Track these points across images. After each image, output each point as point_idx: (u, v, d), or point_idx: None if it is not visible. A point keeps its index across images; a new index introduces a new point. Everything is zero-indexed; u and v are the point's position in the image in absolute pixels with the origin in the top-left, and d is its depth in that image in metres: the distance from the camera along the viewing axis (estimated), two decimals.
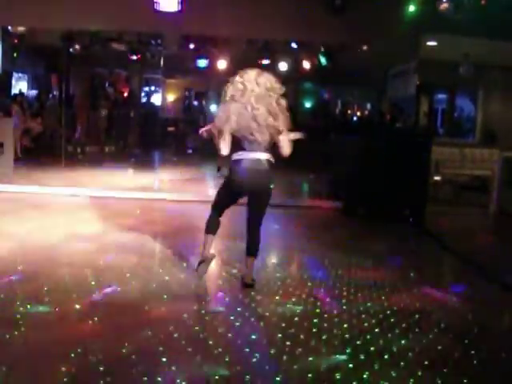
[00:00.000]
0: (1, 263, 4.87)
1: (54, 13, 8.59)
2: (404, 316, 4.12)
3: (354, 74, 13.51)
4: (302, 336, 3.64)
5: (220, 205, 4.67)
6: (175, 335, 3.55)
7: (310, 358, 3.33)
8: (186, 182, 10.47)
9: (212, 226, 4.65)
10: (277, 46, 11.89)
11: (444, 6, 8.20)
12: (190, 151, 15.73)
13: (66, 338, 3.44)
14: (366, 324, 3.92)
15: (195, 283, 4.58)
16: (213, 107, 16.94)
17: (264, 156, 4.38)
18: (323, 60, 11.35)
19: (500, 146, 9.80)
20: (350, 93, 16.61)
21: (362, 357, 3.38)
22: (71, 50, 11.69)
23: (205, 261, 4.56)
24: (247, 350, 3.40)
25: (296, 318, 3.96)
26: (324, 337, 3.66)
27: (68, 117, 11.98)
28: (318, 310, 4.15)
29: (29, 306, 3.89)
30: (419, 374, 3.22)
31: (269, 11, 8.59)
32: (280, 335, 3.64)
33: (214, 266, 4.88)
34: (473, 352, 3.57)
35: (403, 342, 3.65)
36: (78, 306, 3.95)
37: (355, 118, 16.59)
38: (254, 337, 3.62)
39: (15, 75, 14.28)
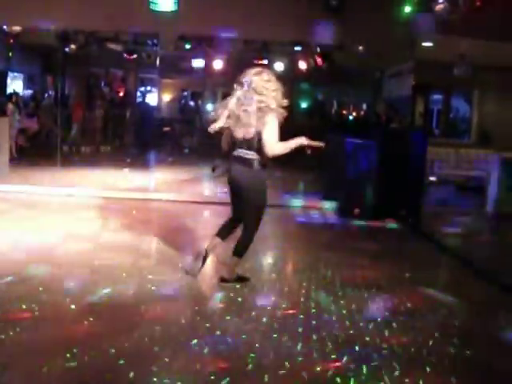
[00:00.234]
0: None
1: (50, 12, 8.58)
2: (400, 317, 4.12)
3: (350, 75, 13.52)
4: (296, 336, 3.64)
5: (232, 207, 4.61)
6: (171, 335, 3.54)
7: (304, 359, 3.32)
8: (181, 183, 10.45)
9: (221, 230, 4.61)
10: (273, 46, 11.89)
11: (440, 6, 8.22)
12: (185, 151, 15.72)
13: (62, 338, 3.43)
14: (361, 324, 3.93)
15: (190, 283, 4.57)
16: (208, 107, 16.98)
17: (249, 155, 4.31)
18: (320, 60, 11.37)
19: (495, 146, 9.84)
20: (346, 93, 16.61)
21: (357, 357, 3.38)
22: (67, 49, 11.66)
23: (199, 259, 4.57)
24: (241, 349, 3.40)
25: (290, 319, 3.96)
26: (319, 336, 3.66)
27: (63, 116, 11.95)
28: (313, 311, 4.15)
29: (24, 306, 3.87)
30: (415, 374, 3.22)
31: (265, 12, 8.61)
32: (275, 335, 3.63)
33: (209, 266, 4.87)
34: (471, 353, 3.57)
35: (399, 342, 3.64)
36: (73, 306, 3.94)
37: (351, 118, 16.60)
38: (248, 336, 3.62)
39: (10, 75, 14.24)
